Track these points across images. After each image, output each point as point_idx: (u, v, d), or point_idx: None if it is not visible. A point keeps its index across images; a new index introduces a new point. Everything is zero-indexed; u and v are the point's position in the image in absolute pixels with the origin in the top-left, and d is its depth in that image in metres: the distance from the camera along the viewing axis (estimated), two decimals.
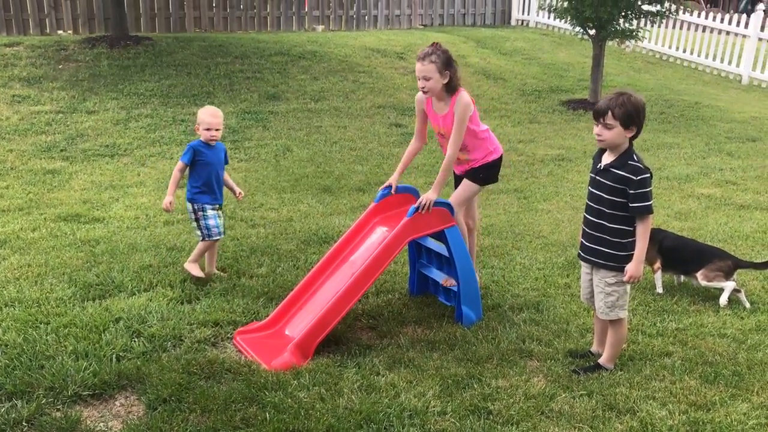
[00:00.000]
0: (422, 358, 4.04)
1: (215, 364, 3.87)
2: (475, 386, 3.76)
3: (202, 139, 4.98)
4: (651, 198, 3.71)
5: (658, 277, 5.15)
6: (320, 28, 15.47)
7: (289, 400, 3.56)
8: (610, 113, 3.67)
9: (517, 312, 4.70)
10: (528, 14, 17.75)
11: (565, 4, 11.48)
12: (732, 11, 24.38)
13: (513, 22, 17.90)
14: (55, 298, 4.62)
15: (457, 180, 4.86)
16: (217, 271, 5.20)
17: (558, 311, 4.72)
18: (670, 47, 16.13)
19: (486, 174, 4.73)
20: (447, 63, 4.38)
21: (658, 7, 11.54)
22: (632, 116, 3.67)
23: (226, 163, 5.19)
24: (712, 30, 15.76)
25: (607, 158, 3.81)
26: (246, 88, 11.06)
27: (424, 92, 4.48)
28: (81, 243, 5.76)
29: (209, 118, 4.95)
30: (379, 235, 4.55)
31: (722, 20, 15.54)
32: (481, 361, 4.03)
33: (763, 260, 5.16)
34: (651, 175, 3.73)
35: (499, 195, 7.64)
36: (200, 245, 5.05)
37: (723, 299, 4.88)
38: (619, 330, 3.95)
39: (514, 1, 17.82)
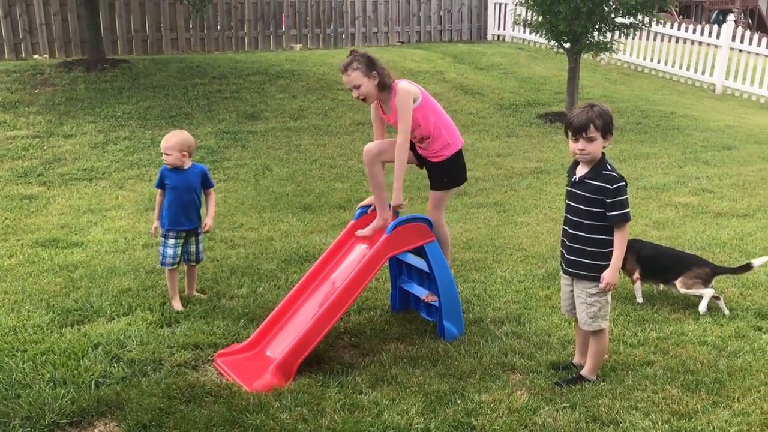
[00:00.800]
0: (405, 375, 4.02)
1: (196, 388, 3.83)
2: (458, 402, 3.75)
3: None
4: (627, 206, 3.75)
5: (638, 287, 5.18)
6: (298, 47, 15.52)
7: (271, 421, 3.53)
8: (592, 126, 3.69)
9: (498, 325, 4.70)
10: (504, 29, 17.93)
11: (540, 18, 11.60)
12: (704, 22, 24.77)
13: (489, 38, 18.06)
14: (32, 325, 4.56)
15: (426, 166, 4.72)
16: (197, 293, 5.16)
17: (539, 323, 4.73)
18: (644, 58, 16.36)
19: (449, 177, 4.66)
20: (370, 64, 4.35)
21: (632, 19, 11.70)
22: (609, 125, 3.73)
23: (209, 186, 5.08)
24: (685, 41, 16.01)
25: (581, 170, 3.84)
26: (224, 108, 11.05)
27: (362, 100, 4.45)
28: (59, 268, 5.70)
29: (162, 142, 4.93)
30: (358, 252, 4.54)
31: (695, 31, 15.80)
32: (463, 376, 4.02)
33: (740, 265, 5.21)
34: (626, 183, 3.77)
35: (479, 209, 7.67)
36: (166, 278, 5.00)
37: (702, 306, 4.92)
38: (601, 340, 3.97)
39: (490, 17, 18.00)
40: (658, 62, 16.17)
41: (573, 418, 3.61)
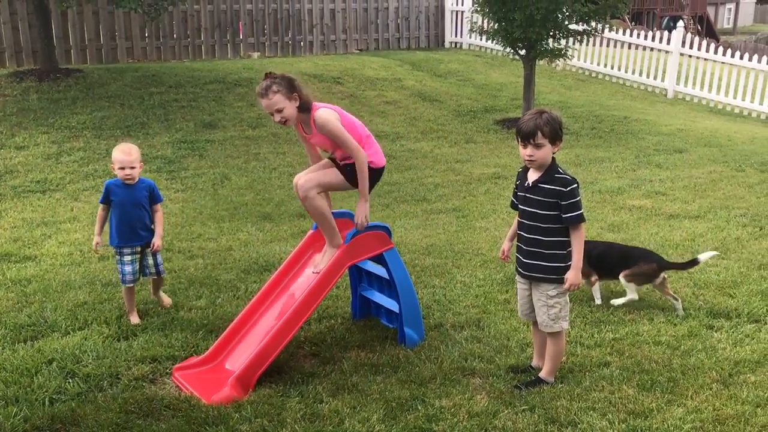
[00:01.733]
0: (366, 383, 4.02)
1: (154, 402, 3.78)
2: (419, 408, 3.76)
3: (119, 177, 4.80)
4: (581, 207, 3.83)
5: (596, 289, 5.27)
6: (256, 55, 15.44)
7: None
8: (539, 133, 3.76)
9: (458, 330, 4.73)
10: (461, 37, 18.09)
11: (495, 25, 11.73)
12: (655, 28, 25.34)
13: (447, 45, 18.21)
14: None
15: (337, 166, 4.44)
16: (162, 295, 5.11)
17: (498, 327, 4.77)
18: (598, 64, 16.66)
19: (352, 178, 4.32)
20: (290, 86, 4.14)
21: (585, 26, 11.91)
22: (558, 131, 3.80)
23: (157, 201, 4.94)
24: (637, 47, 16.37)
25: (533, 175, 3.91)
26: (181, 117, 10.93)
27: (283, 124, 4.20)
28: (11, 283, 5.56)
29: (121, 155, 4.73)
30: None
31: (646, 37, 16.16)
32: (424, 381, 4.04)
33: (687, 260, 5.32)
34: (578, 185, 3.85)
35: (438, 215, 7.72)
36: (123, 295, 4.91)
37: (618, 301, 5.13)
38: (559, 342, 4.02)
39: (447, 25, 18.15)
40: (612, 68, 16.49)
41: (532, 421, 3.65)
